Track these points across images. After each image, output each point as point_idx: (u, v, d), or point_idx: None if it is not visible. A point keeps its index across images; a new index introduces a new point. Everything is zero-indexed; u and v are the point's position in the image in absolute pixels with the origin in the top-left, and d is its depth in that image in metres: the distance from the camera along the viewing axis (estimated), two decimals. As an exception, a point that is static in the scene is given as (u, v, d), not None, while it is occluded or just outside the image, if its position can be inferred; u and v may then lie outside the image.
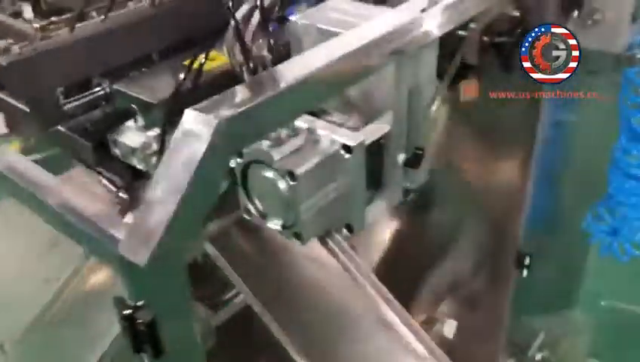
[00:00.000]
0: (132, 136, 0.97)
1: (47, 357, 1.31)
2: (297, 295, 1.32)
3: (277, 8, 0.96)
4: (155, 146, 0.93)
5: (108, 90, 1.02)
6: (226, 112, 0.56)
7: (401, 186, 0.98)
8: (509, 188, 1.26)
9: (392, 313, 1.29)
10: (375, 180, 0.97)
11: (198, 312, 0.57)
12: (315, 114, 0.99)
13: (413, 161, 0.93)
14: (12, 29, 1.20)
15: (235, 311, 1.40)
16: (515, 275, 1.32)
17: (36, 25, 1.23)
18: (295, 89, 0.63)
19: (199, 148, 0.54)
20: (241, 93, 0.61)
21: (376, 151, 0.93)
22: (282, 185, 0.83)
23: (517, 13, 1.04)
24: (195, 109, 0.56)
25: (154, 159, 0.94)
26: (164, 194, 0.54)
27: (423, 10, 0.85)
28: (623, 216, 1.35)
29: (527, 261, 1.27)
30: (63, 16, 1.09)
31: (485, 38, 1.01)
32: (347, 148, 0.84)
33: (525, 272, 1.29)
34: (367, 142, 0.87)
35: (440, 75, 0.97)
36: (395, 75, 0.86)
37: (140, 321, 0.57)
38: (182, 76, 0.92)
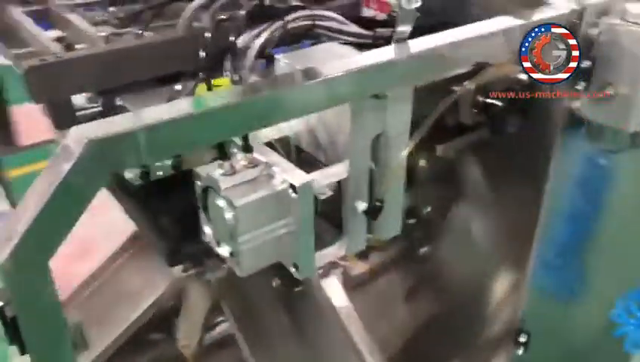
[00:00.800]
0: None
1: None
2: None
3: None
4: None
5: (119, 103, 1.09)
6: (103, 133, 0.59)
7: (363, 234, 0.96)
8: (514, 261, 1.19)
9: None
10: (336, 224, 0.95)
11: (74, 319, 0.60)
12: (289, 148, 1.01)
13: (372, 212, 0.91)
14: (83, 34, 1.33)
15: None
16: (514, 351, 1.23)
17: (103, 33, 1.35)
18: (187, 119, 0.65)
19: (66, 165, 0.57)
20: (133, 116, 0.63)
21: (335, 196, 0.92)
22: (228, 214, 0.85)
23: (523, 76, 0.99)
24: (79, 127, 0.60)
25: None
26: (32, 202, 0.58)
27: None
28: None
29: (522, 338, 1.18)
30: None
31: (480, 98, 0.97)
32: (293, 188, 0.84)
33: (521, 350, 1.20)
34: (321, 184, 0.87)
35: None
36: (351, 123, 0.85)
37: (6, 316, 0.62)
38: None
